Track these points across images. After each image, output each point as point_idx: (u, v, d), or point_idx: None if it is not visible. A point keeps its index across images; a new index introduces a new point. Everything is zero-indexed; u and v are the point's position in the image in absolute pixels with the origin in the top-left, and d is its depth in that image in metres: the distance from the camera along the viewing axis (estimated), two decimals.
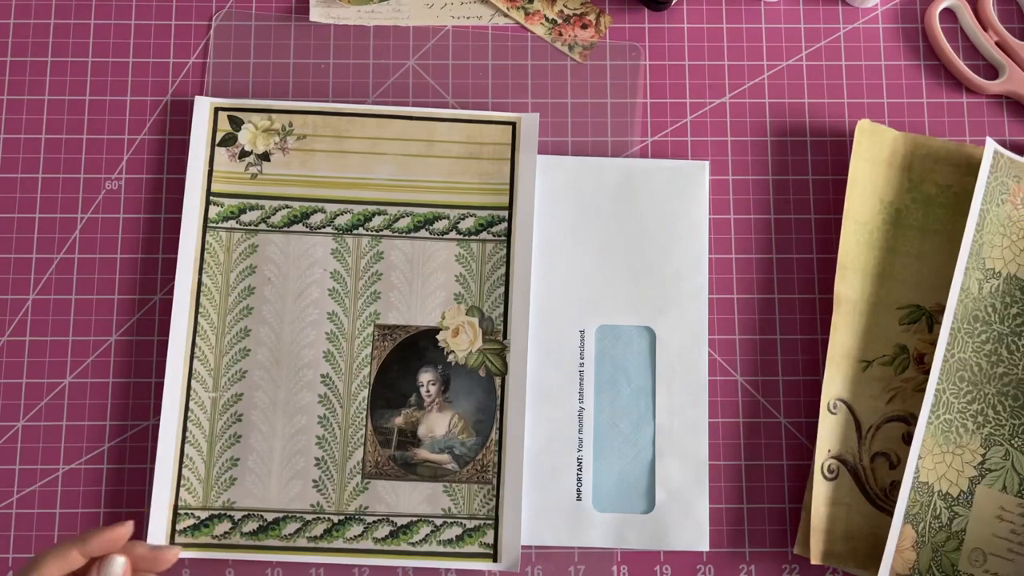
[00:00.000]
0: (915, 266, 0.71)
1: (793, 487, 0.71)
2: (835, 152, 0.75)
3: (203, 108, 0.73)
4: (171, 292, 0.71)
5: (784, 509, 0.70)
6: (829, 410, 0.70)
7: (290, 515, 0.69)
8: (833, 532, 0.68)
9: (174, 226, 0.72)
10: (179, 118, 0.74)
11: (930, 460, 0.67)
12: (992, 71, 0.77)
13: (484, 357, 0.70)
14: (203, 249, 0.71)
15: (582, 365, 0.72)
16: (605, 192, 0.74)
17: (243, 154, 0.73)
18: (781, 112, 0.75)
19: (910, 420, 0.70)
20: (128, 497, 0.70)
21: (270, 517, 0.69)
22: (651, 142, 0.75)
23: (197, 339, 0.70)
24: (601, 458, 0.71)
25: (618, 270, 0.73)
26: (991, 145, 0.70)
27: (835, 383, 0.70)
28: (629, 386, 0.72)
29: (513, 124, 0.73)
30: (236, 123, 0.73)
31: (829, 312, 0.72)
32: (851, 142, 0.74)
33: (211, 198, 0.72)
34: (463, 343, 0.71)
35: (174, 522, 0.68)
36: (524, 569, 0.69)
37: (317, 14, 0.76)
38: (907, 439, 0.69)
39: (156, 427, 0.70)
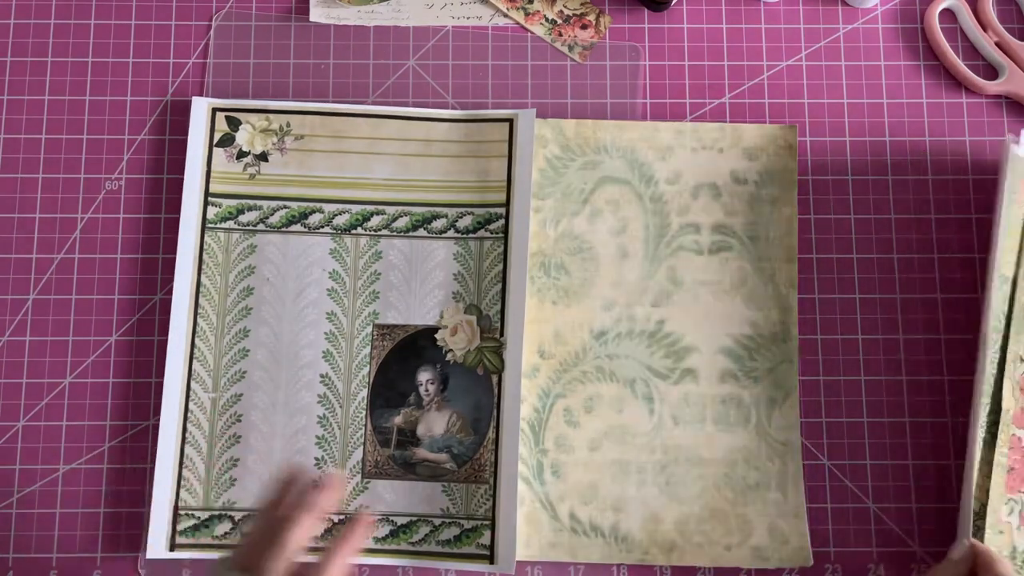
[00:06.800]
0: None
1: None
2: (834, 152, 0.75)
3: (201, 109, 0.73)
4: (171, 292, 0.71)
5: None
6: None
7: None
8: None
9: (174, 226, 0.72)
10: (179, 118, 0.74)
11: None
12: (992, 71, 0.77)
13: (482, 355, 0.70)
14: (202, 250, 0.72)
15: None
16: None
17: (241, 154, 0.73)
18: (781, 112, 0.75)
19: None
20: (128, 497, 0.70)
21: None
22: None
23: (196, 340, 0.70)
24: None
25: None
26: (1013, 148, 0.69)
27: None
28: None
29: (510, 121, 0.73)
30: (234, 123, 0.73)
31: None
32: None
33: (209, 199, 0.72)
34: (461, 341, 0.71)
35: (174, 522, 0.68)
36: (524, 570, 0.69)
37: (317, 14, 0.76)
38: None
39: (156, 427, 0.70)
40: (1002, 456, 0.66)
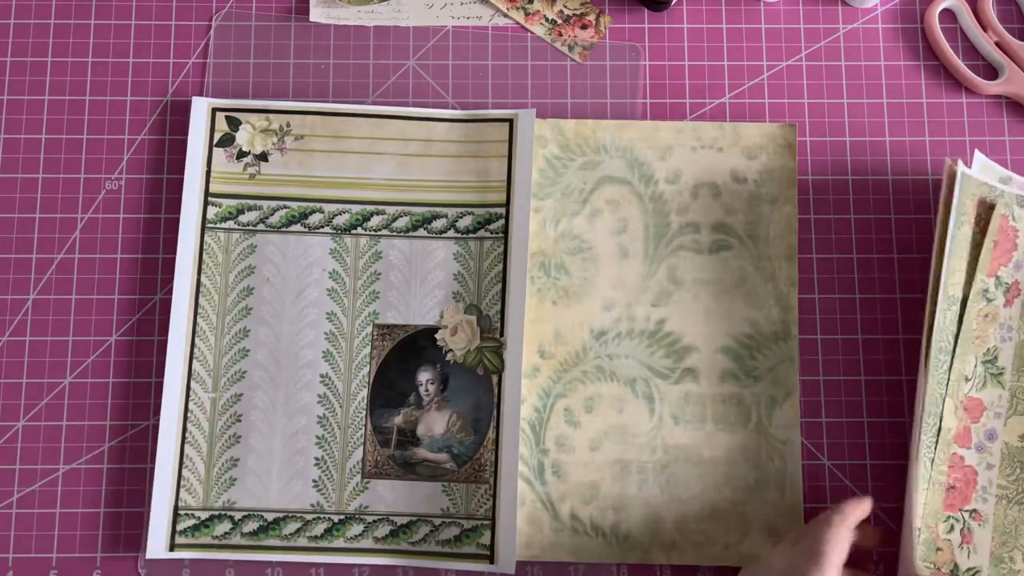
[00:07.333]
0: None
1: None
2: (834, 152, 0.75)
3: (200, 109, 0.73)
4: (171, 292, 0.71)
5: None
6: None
7: (290, 515, 0.69)
8: None
9: (174, 226, 0.72)
10: (179, 118, 0.74)
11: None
12: (992, 71, 0.77)
13: (482, 355, 0.70)
14: (202, 250, 0.71)
15: None
16: None
17: (241, 154, 0.73)
18: (780, 112, 0.75)
19: None
20: (128, 497, 0.70)
21: (270, 517, 0.69)
22: None
23: (196, 340, 0.70)
24: None
25: None
26: (961, 168, 0.68)
27: None
28: None
29: (510, 121, 0.73)
30: (234, 123, 0.73)
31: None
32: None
33: (209, 199, 0.72)
34: (461, 341, 0.71)
35: (174, 522, 0.68)
36: (524, 570, 0.69)
37: (317, 14, 0.76)
38: None
39: (156, 427, 0.70)
40: (940, 475, 0.66)
